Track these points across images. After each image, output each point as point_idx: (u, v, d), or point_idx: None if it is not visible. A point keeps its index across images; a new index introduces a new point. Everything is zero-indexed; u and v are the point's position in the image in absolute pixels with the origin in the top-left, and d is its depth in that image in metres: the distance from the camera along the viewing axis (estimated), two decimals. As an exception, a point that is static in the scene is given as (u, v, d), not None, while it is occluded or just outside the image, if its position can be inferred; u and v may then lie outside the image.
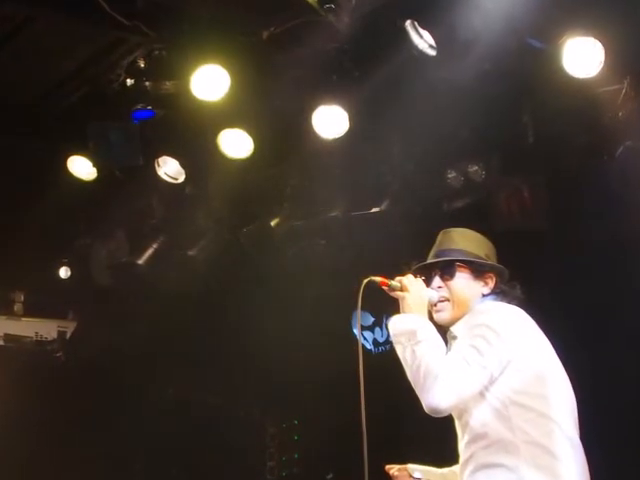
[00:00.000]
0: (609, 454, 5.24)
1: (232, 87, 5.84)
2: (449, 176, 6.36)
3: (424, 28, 5.02)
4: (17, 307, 8.90)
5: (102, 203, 7.47)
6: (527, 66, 5.38)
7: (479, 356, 3.25)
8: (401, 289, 3.49)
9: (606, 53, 4.95)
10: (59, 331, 9.11)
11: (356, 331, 6.95)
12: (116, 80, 6.19)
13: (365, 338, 8.12)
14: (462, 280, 3.57)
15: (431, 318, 3.48)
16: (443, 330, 3.51)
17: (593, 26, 4.92)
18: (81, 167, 6.87)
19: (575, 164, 6.01)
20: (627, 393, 6.06)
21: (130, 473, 8.84)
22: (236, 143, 6.44)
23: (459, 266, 3.58)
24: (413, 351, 3.28)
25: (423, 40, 5.05)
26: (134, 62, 6.08)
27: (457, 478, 3.53)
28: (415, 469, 3.82)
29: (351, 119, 5.99)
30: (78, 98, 6.56)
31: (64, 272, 8.29)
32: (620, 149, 5.57)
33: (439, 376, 3.19)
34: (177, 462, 8.97)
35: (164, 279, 7.79)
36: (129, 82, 6.19)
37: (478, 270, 3.58)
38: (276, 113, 6.24)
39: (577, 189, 6.16)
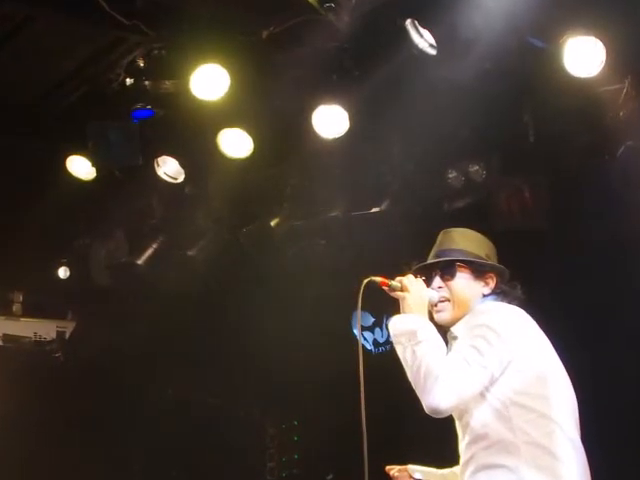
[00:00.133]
0: (609, 454, 5.23)
1: (232, 87, 5.83)
2: (449, 176, 6.36)
3: (424, 27, 5.01)
4: (16, 307, 8.90)
5: (101, 203, 7.47)
6: (528, 65, 5.36)
7: (480, 356, 3.24)
8: (401, 289, 3.48)
9: (607, 52, 4.94)
10: (58, 331, 9.09)
11: (356, 331, 6.95)
12: (116, 80, 6.19)
13: (365, 338, 8.11)
14: (462, 280, 3.56)
15: (431, 318, 3.47)
16: (443, 330, 3.50)
17: (594, 25, 4.91)
18: (80, 167, 6.85)
19: (576, 164, 6.00)
20: (627, 393, 6.06)
21: (130, 473, 8.83)
22: (236, 143, 6.43)
23: (459, 266, 3.57)
24: (413, 351, 3.27)
25: (423, 39, 5.04)
26: (134, 61, 6.08)
27: (457, 479, 3.52)
28: (415, 470, 3.82)
29: (351, 119, 5.98)
30: (78, 98, 6.55)
31: (63, 272, 8.28)
32: (621, 149, 5.57)
33: (440, 377, 3.18)
34: (177, 462, 8.96)
35: (164, 279, 7.78)
36: (129, 82, 6.18)
37: (478, 270, 3.57)
38: (276, 113, 6.23)
39: (578, 189, 6.16)
